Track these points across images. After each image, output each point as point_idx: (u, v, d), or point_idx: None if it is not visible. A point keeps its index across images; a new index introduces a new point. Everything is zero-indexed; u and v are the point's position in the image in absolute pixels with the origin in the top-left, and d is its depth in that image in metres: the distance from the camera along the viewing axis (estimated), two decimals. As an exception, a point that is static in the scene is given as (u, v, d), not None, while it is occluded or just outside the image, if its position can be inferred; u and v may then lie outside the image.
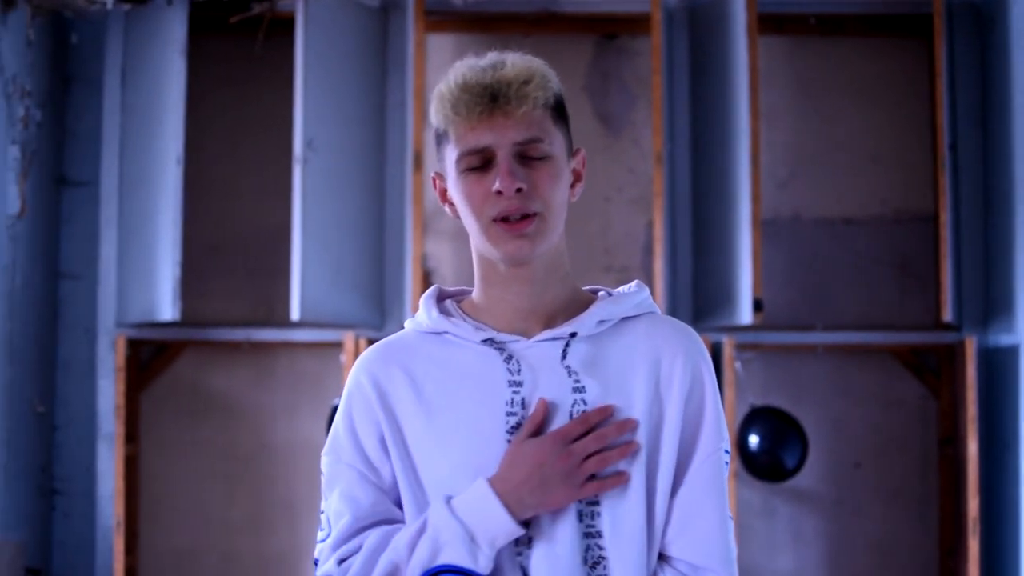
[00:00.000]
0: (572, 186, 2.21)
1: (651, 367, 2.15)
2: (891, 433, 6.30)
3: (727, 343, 5.66)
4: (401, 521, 2.16)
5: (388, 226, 6.15)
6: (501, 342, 2.17)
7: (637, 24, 6.21)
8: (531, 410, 2.11)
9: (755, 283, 5.65)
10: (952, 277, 5.78)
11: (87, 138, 6.28)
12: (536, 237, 2.12)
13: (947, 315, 5.72)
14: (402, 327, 2.27)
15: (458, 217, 2.18)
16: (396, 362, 2.20)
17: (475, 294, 2.24)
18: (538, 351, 2.16)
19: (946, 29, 5.95)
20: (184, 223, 5.99)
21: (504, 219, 2.10)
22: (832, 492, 6.30)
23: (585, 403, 2.11)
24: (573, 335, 2.17)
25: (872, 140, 6.37)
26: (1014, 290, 5.75)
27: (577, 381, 2.13)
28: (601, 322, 2.19)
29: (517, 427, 2.11)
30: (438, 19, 6.23)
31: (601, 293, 2.29)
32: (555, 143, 2.13)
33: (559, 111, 2.17)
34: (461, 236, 6.27)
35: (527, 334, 2.18)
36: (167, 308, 5.78)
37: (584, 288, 2.31)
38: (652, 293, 5.57)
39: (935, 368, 6.22)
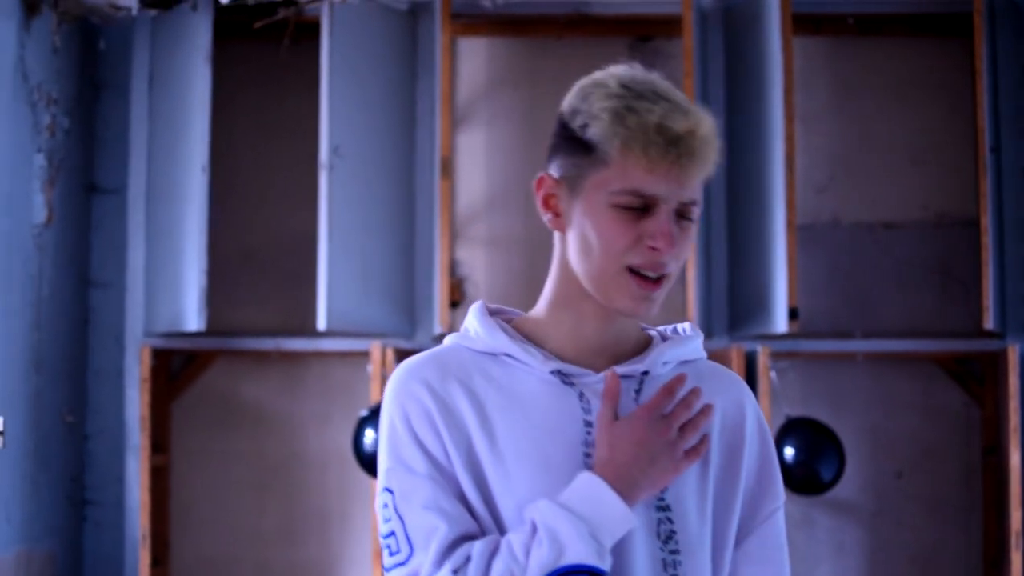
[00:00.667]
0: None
1: (720, 416, 2.07)
2: (933, 442, 6.16)
3: (762, 352, 5.54)
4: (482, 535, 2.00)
5: (419, 233, 6.06)
6: (570, 375, 2.03)
7: (671, 26, 6.09)
8: None
9: (790, 291, 5.52)
10: (994, 283, 5.63)
11: (117, 145, 6.23)
12: (658, 298, 2.01)
13: (988, 322, 5.57)
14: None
15: (559, 230, 2.05)
16: (453, 376, 2.03)
17: (541, 316, 2.10)
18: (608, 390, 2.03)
19: (988, 28, 5.80)
20: (214, 230, 5.94)
21: (639, 273, 1.97)
22: (873, 503, 6.17)
23: None
24: (646, 373, 2.06)
25: (913, 142, 6.22)
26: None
27: None
28: (666, 363, 2.09)
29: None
30: (468, 22, 6.14)
31: (652, 332, 2.17)
32: (701, 205, 2.03)
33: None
34: (496, 244, 6.21)
35: (595, 368, 2.05)
36: (193, 318, 5.72)
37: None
38: (684, 303, 5.51)
39: (979, 376, 6.07)
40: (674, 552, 1.99)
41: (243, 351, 6.11)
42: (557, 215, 2.04)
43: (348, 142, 5.75)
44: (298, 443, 6.27)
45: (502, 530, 1.97)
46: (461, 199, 6.25)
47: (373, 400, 5.69)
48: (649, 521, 1.99)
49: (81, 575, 6.16)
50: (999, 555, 5.88)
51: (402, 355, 5.63)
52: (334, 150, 5.70)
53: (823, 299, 6.15)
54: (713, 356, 5.80)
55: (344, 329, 5.72)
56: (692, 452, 1.98)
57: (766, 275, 5.65)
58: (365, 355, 5.80)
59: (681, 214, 1.98)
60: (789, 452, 5.56)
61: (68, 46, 6.02)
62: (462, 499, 2.00)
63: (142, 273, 6.05)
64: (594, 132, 1.96)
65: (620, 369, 2.04)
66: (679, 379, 2.00)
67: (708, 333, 5.95)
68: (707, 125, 1.95)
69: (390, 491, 2.02)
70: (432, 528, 1.96)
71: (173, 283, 5.86)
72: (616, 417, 1.98)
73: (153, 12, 6.01)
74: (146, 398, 5.76)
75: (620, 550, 1.95)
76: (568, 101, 2.06)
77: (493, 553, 1.94)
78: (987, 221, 5.61)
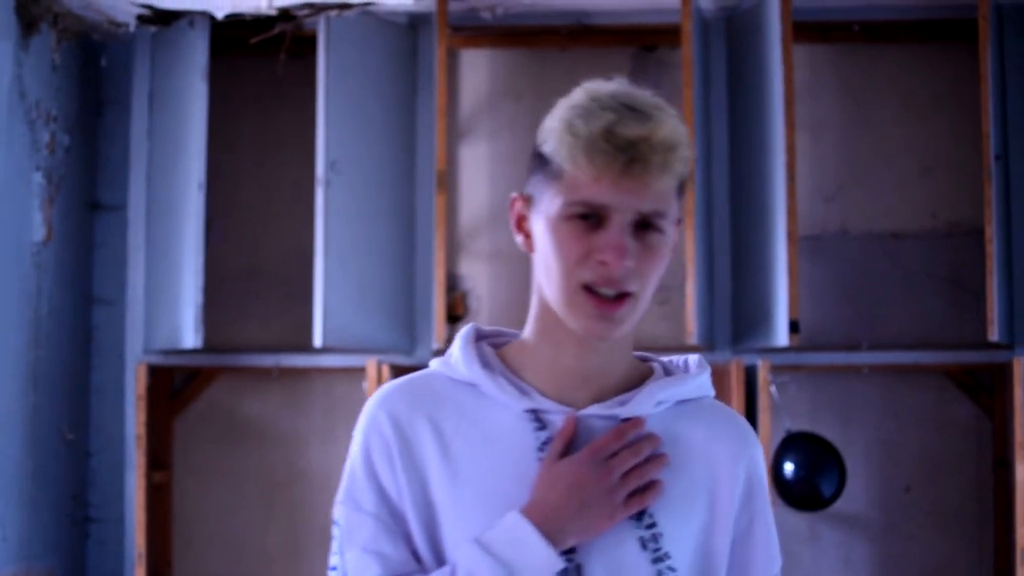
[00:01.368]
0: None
1: (707, 468, 1.96)
2: (943, 455, 6.05)
3: (762, 366, 5.46)
4: None
5: (419, 249, 6.01)
6: (543, 412, 1.93)
7: (675, 35, 6.01)
8: None
9: (791, 304, 5.44)
10: (1001, 293, 5.52)
11: (120, 162, 6.21)
12: (623, 321, 1.88)
13: (994, 334, 5.46)
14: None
15: (530, 251, 1.96)
16: (422, 408, 1.96)
17: (526, 343, 2.00)
18: (585, 429, 1.93)
19: (995, 33, 5.69)
20: (215, 247, 5.93)
21: (594, 291, 1.86)
22: (882, 517, 6.06)
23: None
24: (627, 420, 1.94)
25: (923, 150, 6.13)
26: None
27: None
28: (660, 403, 1.96)
29: None
30: (469, 35, 6.09)
31: (655, 364, 2.06)
32: (671, 217, 1.88)
33: (683, 183, 1.91)
34: (499, 257, 6.15)
35: (576, 404, 1.94)
36: (190, 335, 5.69)
37: (635, 355, 2.06)
38: (683, 317, 5.44)
39: (989, 387, 5.96)
40: None
41: (244, 367, 6.07)
42: (527, 236, 1.97)
43: (346, 157, 5.71)
44: (302, 460, 6.22)
45: None
46: (464, 212, 6.20)
47: (371, 417, 5.64)
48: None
49: (84, 593, 6.15)
50: (1009, 570, 5.77)
51: (399, 371, 5.58)
52: (331, 165, 5.65)
53: (831, 310, 6.06)
54: (715, 370, 5.73)
55: (342, 345, 5.67)
56: (632, 501, 1.88)
57: (768, 287, 5.57)
58: (359, 371, 5.75)
59: (643, 225, 1.86)
60: (789, 467, 5.47)
61: (68, 63, 6.00)
62: (408, 540, 1.94)
63: (142, 291, 6.02)
64: (548, 145, 1.88)
65: (596, 408, 1.94)
66: (634, 423, 1.90)
67: (711, 346, 5.88)
68: (666, 131, 1.84)
69: (338, 525, 1.98)
70: (365, 570, 1.92)
71: (171, 300, 5.83)
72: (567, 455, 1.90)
73: (153, 29, 5.99)
74: (141, 416, 5.72)
75: None
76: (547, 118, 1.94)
77: None
78: (992, 230, 5.50)
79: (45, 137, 5.81)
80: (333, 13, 5.69)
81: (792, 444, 5.50)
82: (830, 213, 6.13)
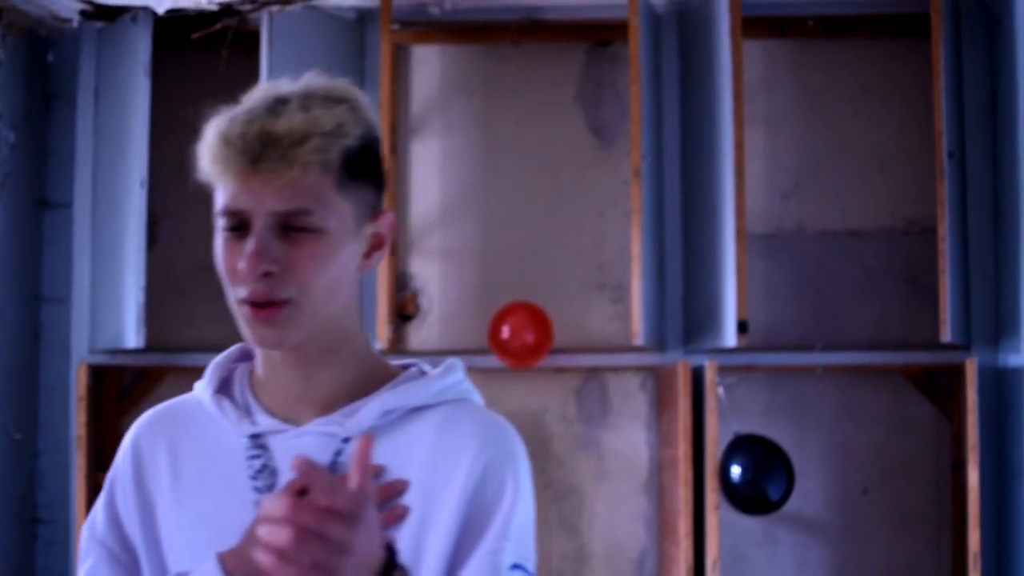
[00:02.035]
0: (367, 255, 1.85)
1: (427, 477, 1.81)
2: (901, 457, 5.96)
3: (709, 367, 5.36)
4: None
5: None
6: (263, 435, 1.85)
7: (628, 30, 5.93)
8: None
9: (740, 304, 5.34)
10: (954, 293, 5.42)
11: (68, 158, 6.13)
12: (287, 325, 1.76)
13: (946, 335, 5.37)
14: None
15: None
16: (163, 434, 1.92)
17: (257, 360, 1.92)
18: (304, 446, 1.81)
19: (952, 28, 5.60)
20: (165, 246, 5.85)
21: (246, 298, 1.77)
22: (838, 519, 5.97)
23: None
24: (347, 440, 1.82)
25: (881, 147, 6.02)
26: (1021, 309, 5.39)
27: None
28: (388, 412, 1.84)
29: None
30: (418, 30, 5.99)
31: (411, 371, 1.95)
32: (334, 212, 1.75)
33: (355, 169, 1.78)
34: (451, 255, 6.07)
35: (300, 420, 1.86)
36: (132, 335, 5.61)
37: (396, 363, 1.98)
38: (629, 316, 5.34)
39: (947, 388, 5.86)
40: None
41: (190, 368, 5.98)
42: None
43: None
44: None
45: None
46: (415, 209, 6.11)
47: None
48: None
49: (30, 595, 6.08)
50: (966, 574, 5.68)
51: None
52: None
53: (787, 309, 5.97)
54: (662, 371, 5.65)
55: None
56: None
57: (717, 287, 5.47)
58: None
59: (286, 226, 1.75)
60: (736, 471, 5.38)
61: (14, 59, 5.92)
62: (132, 570, 1.89)
63: (87, 290, 5.94)
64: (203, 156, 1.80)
65: (317, 424, 1.85)
66: (365, 440, 1.62)
67: (660, 346, 5.79)
68: (293, 122, 1.73)
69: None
70: None
71: (114, 300, 5.76)
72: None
73: (98, 24, 5.91)
74: (82, 417, 5.65)
75: None
76: None
77: None
78: (945, 229, 5.40)
79: (-11, 134, 5.75)
80: (276, 8, 5.60)
81: (739, 447, 5.41)
82: (787, 210, 6.03)
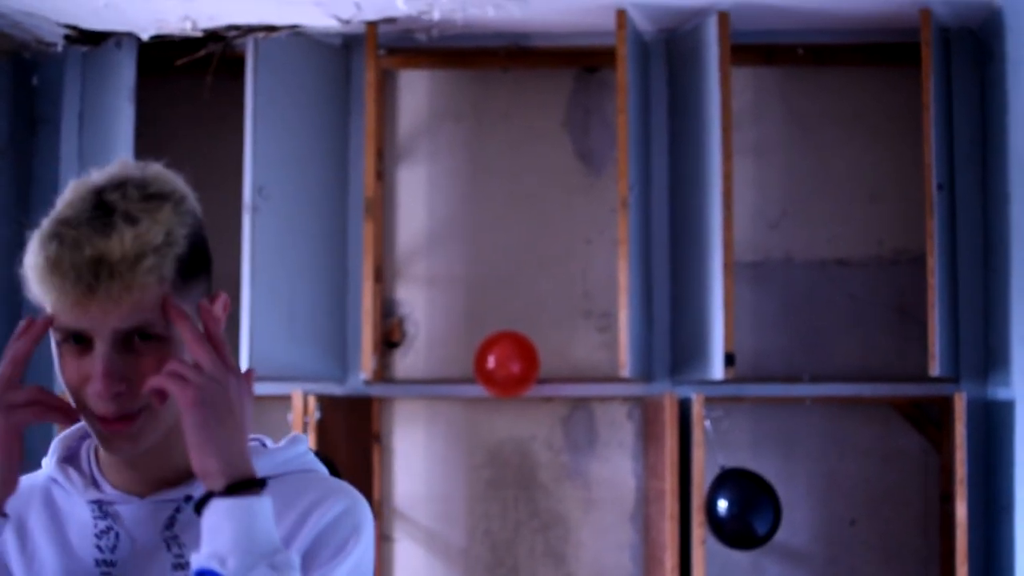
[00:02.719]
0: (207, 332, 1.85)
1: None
2: (889, 489, 5.93)
3: (696, 400, 5.32)
4: None
5: (352, 275, 5.88)
6: (108, 503, 1.86)
7: (616, 57, 5.90)
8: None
9: (727, 336, 5.30)
10: (944, 325, 5.39)
11: (52, 181, 6.10)
12: (143, 433, 1.78)
13: (935, 369, 5.33)
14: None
15: None
16: (14, 508, 1.84)
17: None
18: (144, 515, 1.85)
19: (941, 58, 5.57)
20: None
21: (97, 415, 1.76)
22: (825, 551, 5.94)
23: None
24: (188, 499, 1.84)
25: (869, 176, 5.99)
26: (1010, 342, 5.35)
27: (179, 556, 1.80)
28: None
29: None
30: (406, 56, 5.95)
31: (253, 444, 1.93)
32: (174, 317, 1.76)
33: (189, 272, 1.80)
34: (437, 282, 6.03)
35: (141, 493, 1.86)
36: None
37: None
38: (616, 346, 5.29)
39: (936, 420, 5.83)
40: None
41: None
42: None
43: (274, 182, 5.58)
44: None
45: None
46: (401, 236, 6.07)
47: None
48: None
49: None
50: (956, 607, 5.66)
51: (326, 402, 5.46)
52: (258, 191, 5.53)
53: (774, 338, 5.94)
54: (649, 402, 5.60)
55: (269, 374, 5.52)
56: None
57: (704, 318, 5.44)
58: (286, 400, 5.60)
59: (128, 340, 1.74)
60: (723, 505, 5.33)
61: (1, 80, 5.89)
62: None
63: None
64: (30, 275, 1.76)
65: (160, 494, 1.85)
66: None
67: (647, 377, 5.76)
68: (124, 244, 1.70)
69: None
70: None
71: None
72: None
73: (83, 49, 5.87)
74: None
75: None
76: None
77: None
78: (934, 261, 5.36)
79: (-29, 155, 5.71)
80: (261, 35, 5.56)
81: (725, 481, 5.37)
82: (774, 240, 6.00)
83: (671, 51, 5.87)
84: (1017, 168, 5.30)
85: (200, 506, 1.69)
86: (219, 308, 1.86)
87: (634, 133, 5.56)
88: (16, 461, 1.76)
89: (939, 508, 5.86)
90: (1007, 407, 5.37)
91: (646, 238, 5.74)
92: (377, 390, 5.87)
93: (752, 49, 5.81)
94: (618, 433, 6.01)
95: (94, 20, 5.57)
